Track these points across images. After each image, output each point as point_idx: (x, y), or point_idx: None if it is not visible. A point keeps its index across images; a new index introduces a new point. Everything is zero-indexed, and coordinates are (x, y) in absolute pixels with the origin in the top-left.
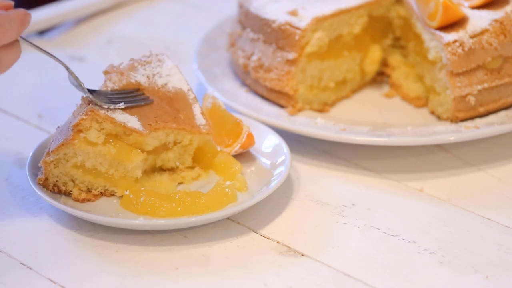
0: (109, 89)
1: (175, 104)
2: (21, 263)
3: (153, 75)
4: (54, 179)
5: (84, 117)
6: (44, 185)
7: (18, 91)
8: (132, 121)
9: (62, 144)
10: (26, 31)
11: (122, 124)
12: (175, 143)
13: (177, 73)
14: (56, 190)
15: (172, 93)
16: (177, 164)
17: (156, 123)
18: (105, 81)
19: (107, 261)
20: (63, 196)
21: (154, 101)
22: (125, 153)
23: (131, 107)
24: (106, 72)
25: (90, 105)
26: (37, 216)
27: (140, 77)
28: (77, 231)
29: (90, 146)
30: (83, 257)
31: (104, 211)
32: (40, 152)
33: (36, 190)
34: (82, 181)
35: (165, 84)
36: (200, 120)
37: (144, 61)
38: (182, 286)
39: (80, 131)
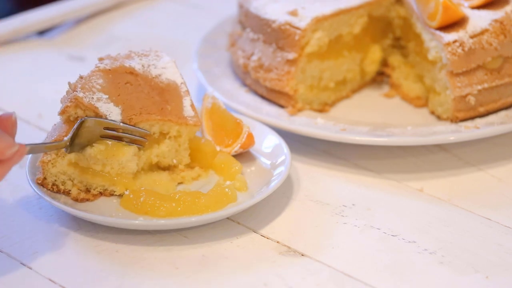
0: (100, 69)
1: (165, 95)
2: (21, 263)
3: (149, 65)
4: (52, 178)
5: (69, 104)
6: (43, 184)
7: (18, 91)
8: (114, 112)
9: (55, 140)
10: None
11: (103, 116)
12: (162, 134)
13: (173, 67)
14: (55, 189)
15: (164, 84)
16: (174, 161)
17: (140, 115)
18: (96, 64)
19: (107, 261)
20: (63, 196)
21: (144, 90)
22: (116, 147)
23: (119, 95)
24: (100, 59)
25: (75, 92)
26: (37, 216)
27: (135, 64)
28: (77, 231)
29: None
30: (83, 257)
31: (104, 211)
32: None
33: (36, 190)
34: (80, 180)
35: (159, 75)
36: (188, 112)
37: (142, 54)
38: (182, 286)
39: (69, 120)
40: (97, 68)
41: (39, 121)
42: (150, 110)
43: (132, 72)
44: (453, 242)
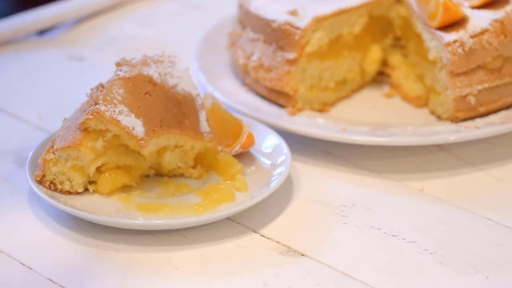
0: (120, 77)
1: (182, 108)
2: (21, 263)
3: (165, 74)
4: (51, 176)
5: (90, 117)
6: (41, 181)
7: (18, 91)
8: (137, 125)
9: (69, 146)
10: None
11: (126, 130)
12: (176, 146)
13: (188, 77)
14: (53, 188)
15: (181, 96)
16: (179, 164)
17: (161, 128)
18: (115, 71)
19: (107, 261)
20: (63, 196)
21: (162, 102)
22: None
23: (139, 107)
24: (118, 64)
25: (97, 105)
26: (37, 216)
27: (152, 72)
28: (77, 231)
29: (94, 155)
30: (83, 257)
31: (104, 211)
32: (40, 152)
33: (36, 190)
34: (78, 182)
35: (176, 85)
36: (204, 127)
37: (157, 59)
38: (182, 286)
39: (86, 130)
40: (117, 76)
41: (39, 121)
42: (169, 123)
43: (150, 80)
44: (453, 242)
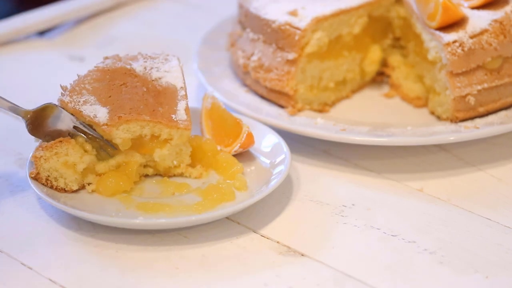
0: (98, 68)
1: (160, 98)
2: (21, 263)
3: (151, 68)
4: (45, 173)
5: (33, 159)
6: (37, 178)
7: (18, 91)
8: (100, 112)
9: (60, 141)
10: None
11: (88, 118)
12: (154, 137)
13: (177, 72)
14: (49, 184)
15: (162, 87)
16: (174, 162)
17: (130, 114)
18: (96, 63)
19: (107, 261)
20: (63, 195)
21: (138, 92)
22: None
23: (110, 96)
24: (105, 58)
25: (62, 97)
26: (37, 216)
27: (136, 66)
28: (77, 231)
29: (82, 149)
30: (83, 257)
31: (104, 211)
32: None
33: (36, 190)
34: (71, 180)
35: (159, 78)
36: (181, 115)
37: (149, 56)
38: (182, 286)
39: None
40: (95, 68)
41: None
42: (140, 111)
43: (131, 73)
44: (453, 242)
